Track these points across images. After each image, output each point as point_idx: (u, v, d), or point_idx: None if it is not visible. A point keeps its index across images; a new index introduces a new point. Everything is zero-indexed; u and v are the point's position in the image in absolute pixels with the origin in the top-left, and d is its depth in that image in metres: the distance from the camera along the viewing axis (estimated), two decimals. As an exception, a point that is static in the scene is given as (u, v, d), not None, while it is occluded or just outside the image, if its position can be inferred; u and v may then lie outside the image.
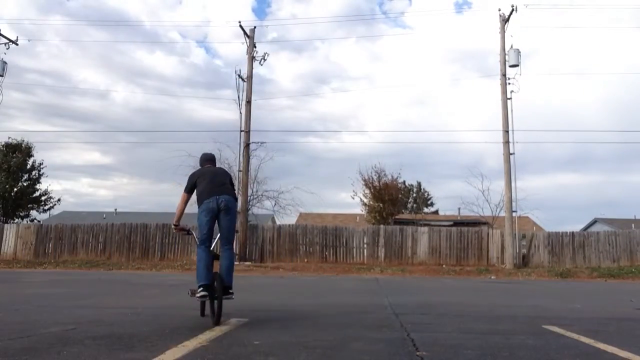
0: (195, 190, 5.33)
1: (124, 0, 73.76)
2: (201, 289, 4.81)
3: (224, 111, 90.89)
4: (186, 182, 5.47)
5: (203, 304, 5.29)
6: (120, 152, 75.77)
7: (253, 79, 22.11)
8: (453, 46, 68.22)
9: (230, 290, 5.00)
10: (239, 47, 30.68)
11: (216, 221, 5.12)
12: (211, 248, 5.12)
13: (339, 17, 64.72)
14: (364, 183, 31.39)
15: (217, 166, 5.84)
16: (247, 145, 21.66)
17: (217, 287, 4.78)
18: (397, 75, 71.23)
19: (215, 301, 4.76)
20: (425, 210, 48.11)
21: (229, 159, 25.61)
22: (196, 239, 5.28)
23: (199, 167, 5.75)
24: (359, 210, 35.07)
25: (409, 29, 73.43)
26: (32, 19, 64.99)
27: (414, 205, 46.98)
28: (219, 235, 5.22)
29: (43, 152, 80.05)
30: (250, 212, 24.01)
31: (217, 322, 4.68)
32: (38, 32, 57.30)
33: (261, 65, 22.53)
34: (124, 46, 62.79)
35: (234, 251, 6.27)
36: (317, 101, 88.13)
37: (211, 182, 5.28)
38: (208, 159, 5.78)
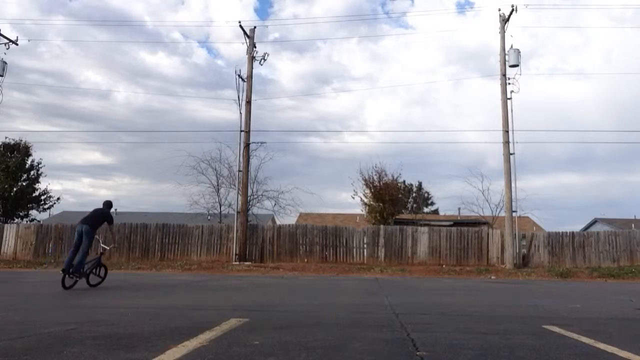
0: None
1: (126, 1, 73.82)
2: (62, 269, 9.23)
3: (225, 111, 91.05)
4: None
5: (63, 279, 9.10)
6: (121, 152, 75.86)
7: (254, 79, 22.16)
8: (455, 46, 68.24)
9: (80, 271, 9.44)
10: (241, 47, 30.64)
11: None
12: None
13: (340, 18, 64.73)
14: (364, 183, 31.40)
15: (103, 205, 10.53)
16: (247, 145, 21.65)
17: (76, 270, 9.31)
18: (399, 75, 71.30)
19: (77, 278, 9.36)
20: (425, 210, 48.14)
21: (229, 159, 25.76)
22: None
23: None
24: (359, 210, 35.10)
25: (411, 29, 73.51)
26: (35, 19, 65.05)
27: (414, 205, 46.97)
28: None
29: (44, 152, 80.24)
30: (250, 212, 24.03)
31: (72, 286, 9.17)
32: (40, 33, 57.39)
33: (261, 65, 22.59)
34: (126, 46, 62.88)
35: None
36: (319, 101, 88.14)
37: (84, 217, 9.98)
38: (103, 203, 10.54)
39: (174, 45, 67.63)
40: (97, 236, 10.05)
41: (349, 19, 66.28)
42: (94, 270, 9.85)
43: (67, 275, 9.14)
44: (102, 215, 10.12)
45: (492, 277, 17.54)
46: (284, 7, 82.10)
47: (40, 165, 32.00)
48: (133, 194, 72.22)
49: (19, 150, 31.08)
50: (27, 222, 30.29)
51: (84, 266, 9.49)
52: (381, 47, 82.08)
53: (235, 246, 20.86)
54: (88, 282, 9.67)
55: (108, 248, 10.55)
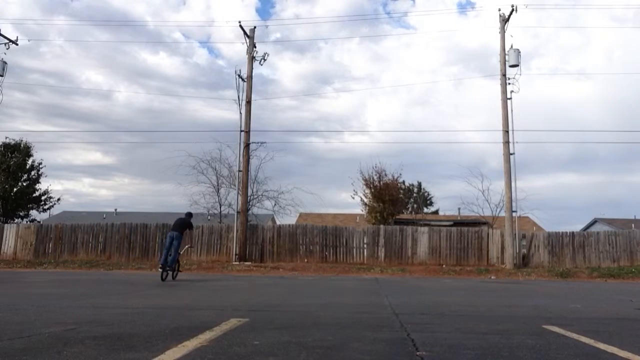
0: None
1: (128, 1, 73.86)
2: (161, 265, 12.19)
3: (226, 111, 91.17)
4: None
5: (162, 274, 11.92)
6: (122, 152, 75.95)
7: (255, 79, 22.23)
8: (456, 47, 68.28)
9: (173, 267, 12.42)
10: (241, 48, 30.67)
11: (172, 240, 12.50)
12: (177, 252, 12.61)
13: (342, 18, 64.79)
14: (364, 183, 31.35)
15: (185, 215, 13.43)
16: (247, 145, 21.66)
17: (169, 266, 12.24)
18: (400, 75, 71.34)
19: (169, 271, 12.24)
20: (426, 210, 48.14)
21: (229, 159, 25.74)
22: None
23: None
24: (359, 210, 35.05)
25: (412, 29, 73.56)
26: (37, 20, 65.09)
27: (414, 205, 46.97)
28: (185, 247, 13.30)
29: (45, 152, 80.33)
30: (250, 212, 24.01)
31: (167, 278, 11.98)
32: (42, 33, 57.44)
33: (261, 65, 22.61)
34: (127, 47, 62.94)
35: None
36: (320, 101, 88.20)
37: (174, 224, 13.10)
38: (185, 214, 13.46)
39: (175, 46, 67.73)
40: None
41: (351, 19, 66.36)
42: (175, 267, 12.68)
43: (164, 271, 11.94)
44: (186, 223, 13.10)
45: (492, 277, 17.54)
46: (285, 7, 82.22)
47: (40, 166, 32.04)
48: (133, 194, 72.31)
49: (19, 151, 31.07)
50: (27, 222, 30.30)
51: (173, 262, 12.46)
52: (382, 47, 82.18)
53: (235, 246, 20.86)
54: (173, 277, 12.42)
55: (185, 247, 13.46)
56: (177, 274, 12.76)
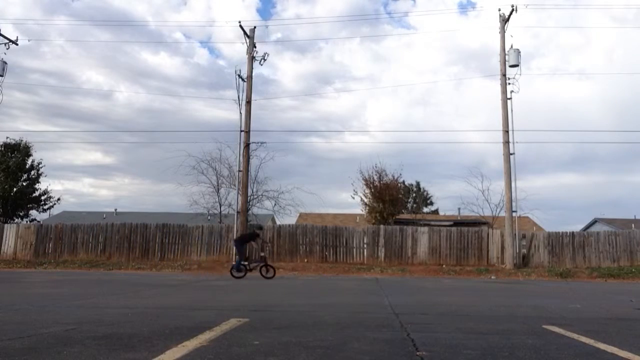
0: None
1: (129, 1, 73.88)
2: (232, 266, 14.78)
3: (226, 111, 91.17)
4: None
5: (231, 271, 14.28)
6: (122, 152, 75.92)
7: (255, 79, 22.22)
8: (456, 47, 68.26)
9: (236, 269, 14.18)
10: (242, 48, 30.63)
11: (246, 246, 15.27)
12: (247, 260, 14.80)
13: (343, 18, 64.80)
14: (364, 183, 31.31)
15: (249, 228, 19.10)
16: (247, 145, 21.65)
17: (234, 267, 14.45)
18: (400, 75, 71.36)
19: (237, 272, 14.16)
20: (425, 209, 48.10)
21: (230, 159, 25.74)
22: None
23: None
24: (359, 210, 35.00)
25: (413, 29, 73.57)
26: (37, 20, 65.07)
27: (414, 205, 46.94)
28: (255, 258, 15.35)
29: (45, 152, 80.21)
30: (250, 212, 24.00)
31: (239, 277, 13.88)
32: (43, 33, 57.38)
33: (261, 65, 22.57)
34: (128, 47, 62.95)
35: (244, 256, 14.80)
36: (320, 101, 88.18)
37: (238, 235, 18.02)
38: (256, 227, 16.18)
39: (176, 46, 67.73)
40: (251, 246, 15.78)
41: (351, 19, 66.38)
42: (265, 268, 14.21)
43: (232, 271, 14.27)
44: (248, 236, 15.28)
45: (492, 277, 17.54)
46: (286, 8, 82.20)
47: (40, 166, 32.01)
48: (133, 194, 72.26)
49: (19, 150, 31.06)
50: (27, 222, 30.28)
51: (242, 265, 14.14)
52: (383, 47, 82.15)
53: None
54: (261, 274, 14.09)
55: (263, 254, 15.14)
56: (272, 276, 14.05)
